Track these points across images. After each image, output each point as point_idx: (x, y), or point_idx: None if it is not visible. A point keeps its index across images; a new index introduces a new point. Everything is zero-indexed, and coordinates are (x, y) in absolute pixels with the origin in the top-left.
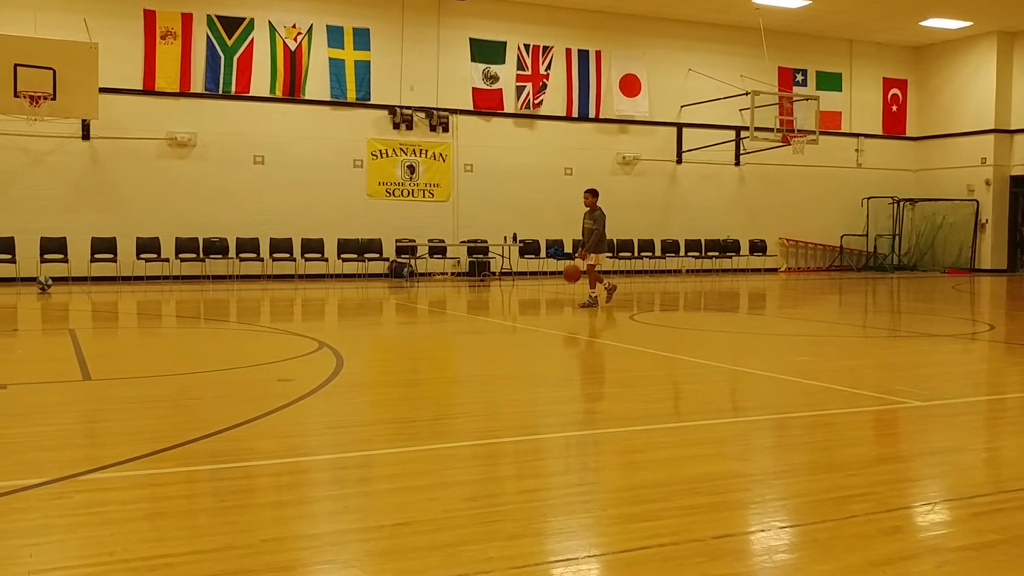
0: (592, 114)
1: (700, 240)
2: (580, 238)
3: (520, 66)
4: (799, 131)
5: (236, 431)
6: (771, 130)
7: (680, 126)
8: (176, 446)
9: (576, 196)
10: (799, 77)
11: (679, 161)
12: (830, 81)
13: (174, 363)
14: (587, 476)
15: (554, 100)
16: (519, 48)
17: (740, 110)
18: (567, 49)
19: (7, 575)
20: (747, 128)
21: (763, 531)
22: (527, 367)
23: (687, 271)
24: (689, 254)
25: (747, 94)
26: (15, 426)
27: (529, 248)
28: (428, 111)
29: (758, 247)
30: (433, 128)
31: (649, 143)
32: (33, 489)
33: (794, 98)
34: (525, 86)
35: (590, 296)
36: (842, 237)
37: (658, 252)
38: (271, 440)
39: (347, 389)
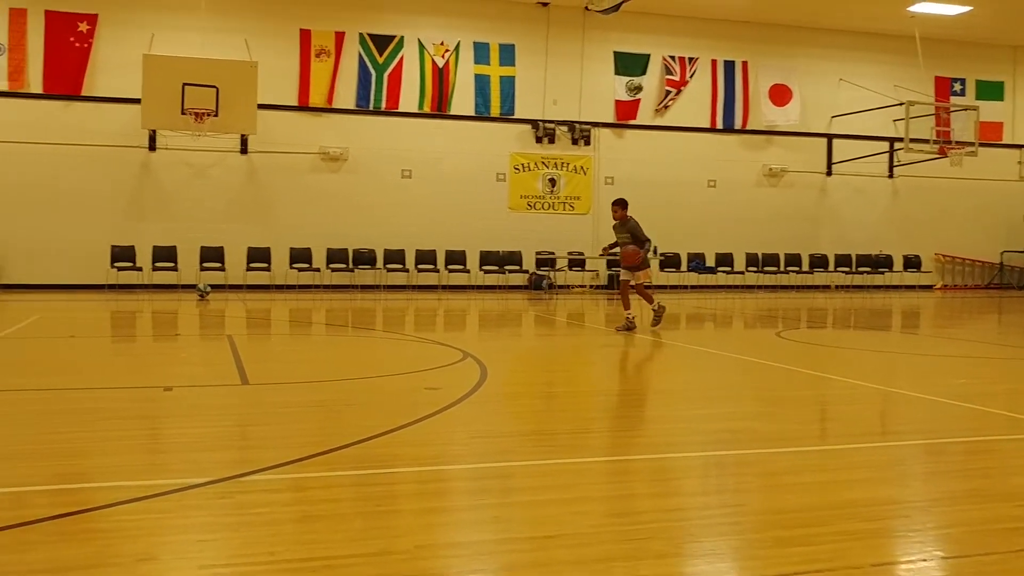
0: (738, 125)
1: (850, 255)
2: (725, 252)
3: (669, 71)
4: (957, 143)
5: (387, 437)
6: (927, 141)
7: (830, 137)
8: (330, 451)
9: (721, 208)
10: (957, 86)
11: (829, 173)
12: (991, 90)
13: (326, 370)
14: (734, 497)
15: (698, 111)
16: (664, 59)
17: (894, 121)
18: (712, 60)
19: (180, 568)
20: (901, 139)
21: (924, 560)
22: (667, 382)
23: (836, 287)
24: (839, 269)
25: (901, 104)
26: (182, 427)
27: (670, 261)
28: (570, 124)
29: (912, 263)
30: (575, 141)
31: (797, 155)
32: (199, 488)
33: (952, 108)
34: (670, 91)
35: (627, 319)
36: (1002, 253)
37: (805, 267)
38: (421, 447)
39: (491, 400)
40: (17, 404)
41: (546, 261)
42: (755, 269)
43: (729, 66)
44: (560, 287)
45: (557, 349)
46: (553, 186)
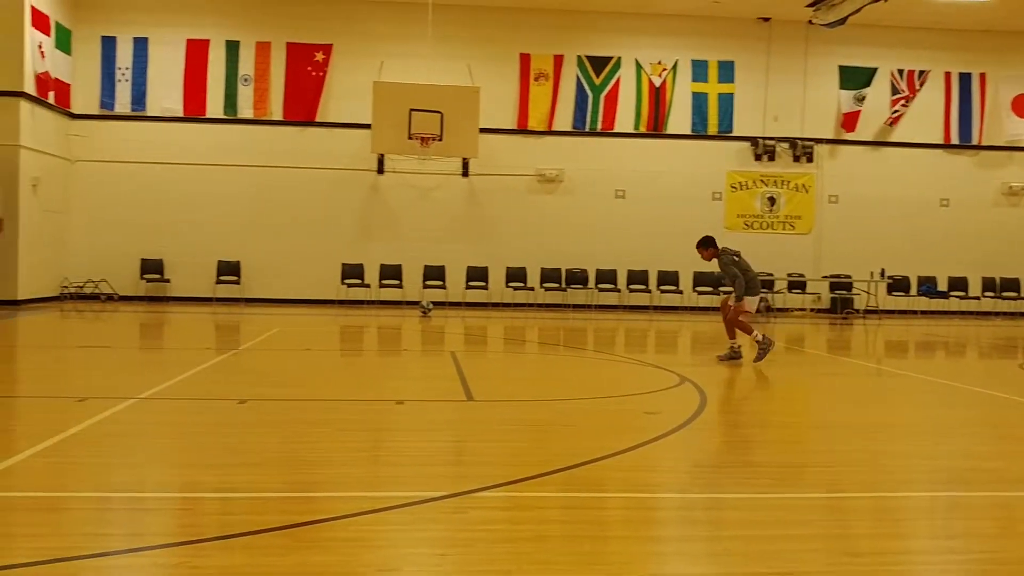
0: (975, 140)
1: None
2: (958, 275)
3: (895, 91)
4: None
5: (611, 460)
6: None
7: None
8: (557, 471)
9: (954, 229)
10: None
11: None
12: None
13: (545, 388)
14: (980, 543)
15: (928, 126)
16: (892, 74)
17: None
18: (946, 73)
19: None
20: None
21: None
22: (895, 415)
23: None
24: None
25: None
26: (415, 440)
27: (898, 285)
28: (791, 141)
29: None
30: (796, 159)
31: None
32: (434, 502)
33: None
34: (897, 108)
35: (731, 347)
36: None
37: None
38: (648, 473)
39: (712, 428)
40: (262, 413)
41: (764, 282)
42: (992, 294)
43: (965, 78)
44: (779, 309)
45: (776, 377)
46: (772, 205)
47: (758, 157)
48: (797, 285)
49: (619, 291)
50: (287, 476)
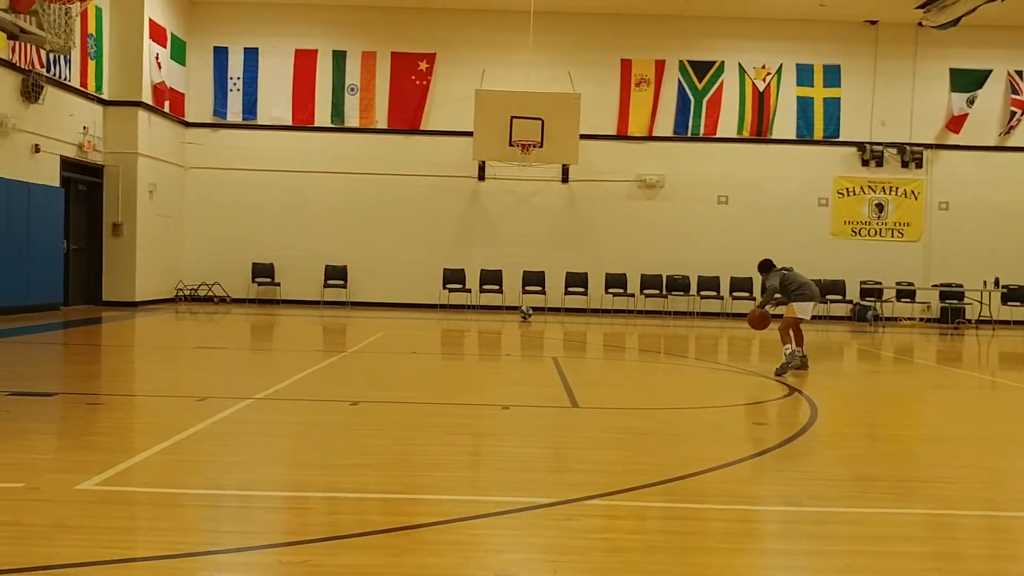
0: None
1: None
2: None
3: (1014, 90)
4: None
5: (724, 472)
6: None
7: None
8: (667, 481)
9: None
10: None
11: None
12: None
13: (649, 397)
14: None
15: None
16: (1010, 74)
17: None
18: None
19: None
20: None
21: None
22: (1014, 430)
23: None
24: None
25: None
26: (522, 445)
27: (1014, 295)
28: (900, 146)
29: None
30: (905, 164)
31: None
32: (545, 508)
33: None
34: (1016, 112)
35: (787, 355)
36: None
37: None
38: (761, 485)
39: (822, 440)
40: (373, 415)
41: (871, 291)
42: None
43: None
44: (887, 319)
45: (887, 388)
46: (880, 211)
47: (865, 163)
48: (906, 294)
49: (722, 298)
50: (400, 478)
